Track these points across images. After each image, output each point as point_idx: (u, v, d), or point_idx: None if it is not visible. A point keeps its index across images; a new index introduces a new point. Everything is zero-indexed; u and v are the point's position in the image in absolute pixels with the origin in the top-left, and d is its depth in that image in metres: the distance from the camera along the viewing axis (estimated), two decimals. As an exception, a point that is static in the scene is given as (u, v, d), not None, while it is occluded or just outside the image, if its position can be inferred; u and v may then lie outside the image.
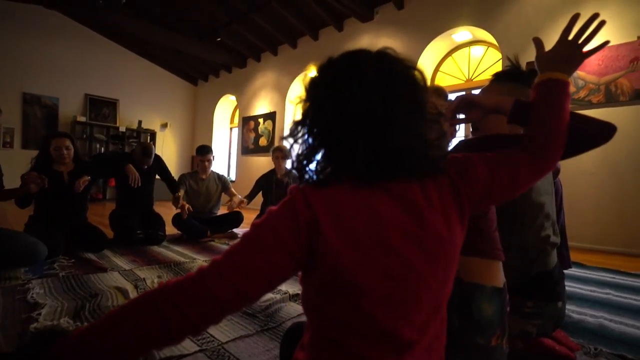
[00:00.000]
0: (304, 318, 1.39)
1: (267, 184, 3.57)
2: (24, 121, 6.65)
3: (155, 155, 3.17)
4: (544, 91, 0.64)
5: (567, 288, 1.30)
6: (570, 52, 0.65)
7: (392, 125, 0.48)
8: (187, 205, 3.02)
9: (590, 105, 3.32)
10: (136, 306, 0.47)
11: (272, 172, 3.62)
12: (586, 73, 3.36)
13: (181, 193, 3.15)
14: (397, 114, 0.49)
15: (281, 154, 3.50)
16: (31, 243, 2.00)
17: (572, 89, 3.42)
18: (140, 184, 2.86)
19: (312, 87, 0.53)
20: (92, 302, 1.47)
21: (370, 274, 0.47)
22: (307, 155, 0.53)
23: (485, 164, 0.57)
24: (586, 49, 0.66)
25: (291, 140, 0.54)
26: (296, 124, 0.54)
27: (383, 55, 0.53)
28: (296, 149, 0.54)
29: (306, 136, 0.53)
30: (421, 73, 0.53)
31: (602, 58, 3.28)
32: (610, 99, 3.23)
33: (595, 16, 0.64)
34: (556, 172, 1.58)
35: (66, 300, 1.51)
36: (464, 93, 0.83)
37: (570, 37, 0.65)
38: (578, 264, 2.54)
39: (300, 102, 0.54)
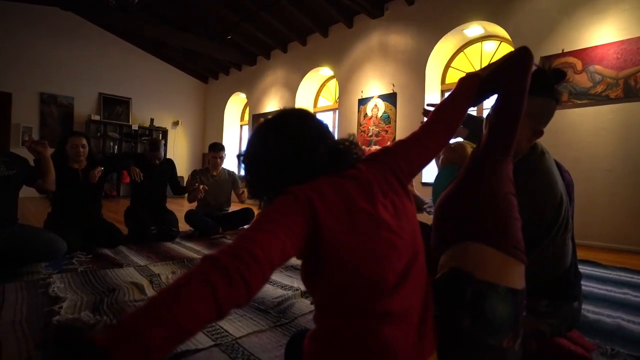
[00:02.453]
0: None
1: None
2: (41, 120, 6.82)
3: (169, 159, 3.34)
4: (465, 80, 0.90)
5: (583, 287, 1.28)
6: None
7: (322, 141, 0.71)
8: (202, 186, 3.11)
9: (608, 100, 3.24)
10: (188, 278, 0.45)
11: None
12: (604, 67, 3.28)
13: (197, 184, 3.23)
14: (322, 137, 0.72)
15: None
16: (51, 239, 2.06)
17: (588, 84, 3.34)
18: (142, 178, 2.90)
19: (265, 153, 0.71)
20: (110, 297, 1.51)
21: (351, 234, 0.61)
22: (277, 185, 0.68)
23: (399, 144, 0.80)
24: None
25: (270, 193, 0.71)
26: (266, 181, 0.71)
27: (293, 112, 0.76)
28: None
29: (276, 177, 0.70)
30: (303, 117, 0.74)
31: (621, 51, 3.19)
32: (630, 93, 3.14)
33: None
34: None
35: (85, 295, 1.55)
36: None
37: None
38: (594, 263, 2.49)
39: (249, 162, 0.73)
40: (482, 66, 4.42)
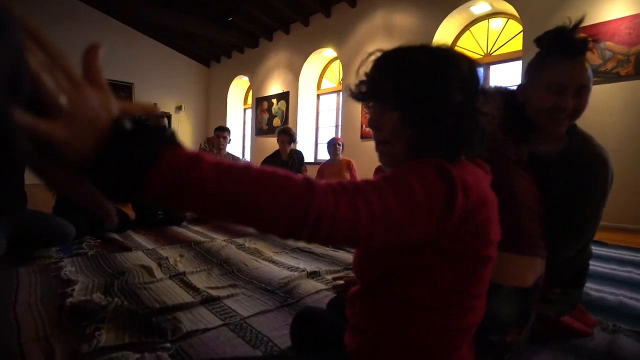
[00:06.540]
0: (321, 295, 1.44)
1: (273, 165, 3.61)
2: (44, 107, 6.83)
3: None
4: None
5: (586, 266, 1.28)
6: None
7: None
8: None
9: (618, 77, 3.16)
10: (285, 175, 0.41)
11: (277, 154, 3.66)
12: (615, 43, 3.18)
13: None
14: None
15: (287, 137, 3.51)
16: (61, 224, 2.11)
17: (598, 61, 3.25)
18: None
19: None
20: (120, 279, 1.55)
21: (494, 231, 0.55)
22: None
23: None
24: None
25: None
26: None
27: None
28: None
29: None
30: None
31: (634, 26, 3.08)
32: (640, 70, 3.06)
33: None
34: None
35: (96, 277, 1.59)
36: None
37: None
38: (599, 242, 2.50)
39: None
40: (488, 45, 4.25)
